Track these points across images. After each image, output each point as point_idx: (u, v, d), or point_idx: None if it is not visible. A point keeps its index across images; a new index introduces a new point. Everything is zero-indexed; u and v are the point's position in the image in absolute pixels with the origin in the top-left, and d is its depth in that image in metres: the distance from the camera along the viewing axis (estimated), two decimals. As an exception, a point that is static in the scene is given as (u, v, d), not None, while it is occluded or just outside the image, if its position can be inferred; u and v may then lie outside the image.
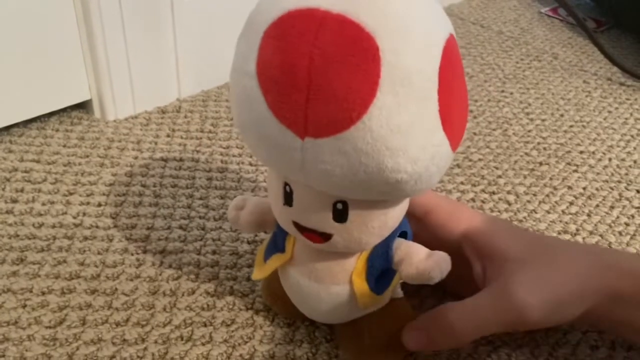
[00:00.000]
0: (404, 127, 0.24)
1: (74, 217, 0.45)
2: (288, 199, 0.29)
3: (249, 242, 0.43)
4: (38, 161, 0.50)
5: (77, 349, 0.35)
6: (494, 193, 0.51)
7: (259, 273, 0.35)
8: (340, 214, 0.28)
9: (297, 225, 0.30)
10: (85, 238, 0.43)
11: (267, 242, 0.35)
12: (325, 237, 0.29)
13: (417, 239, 0.33)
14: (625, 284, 0.32)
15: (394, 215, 0.30)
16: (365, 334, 0.34)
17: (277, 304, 0.37)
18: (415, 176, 0.25)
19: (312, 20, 0.23)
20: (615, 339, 0.38)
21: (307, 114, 0.24)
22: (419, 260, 0.30)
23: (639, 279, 0.32)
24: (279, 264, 0.33)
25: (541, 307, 0.31)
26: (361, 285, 0.32)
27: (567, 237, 0.47)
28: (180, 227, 0.44)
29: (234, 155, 0.53)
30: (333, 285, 0.32)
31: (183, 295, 0.39)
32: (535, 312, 0.31)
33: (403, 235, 0.32)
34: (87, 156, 0.51)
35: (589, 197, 0.52)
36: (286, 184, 0.29)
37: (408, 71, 0.23)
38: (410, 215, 0.34)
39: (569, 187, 0.53)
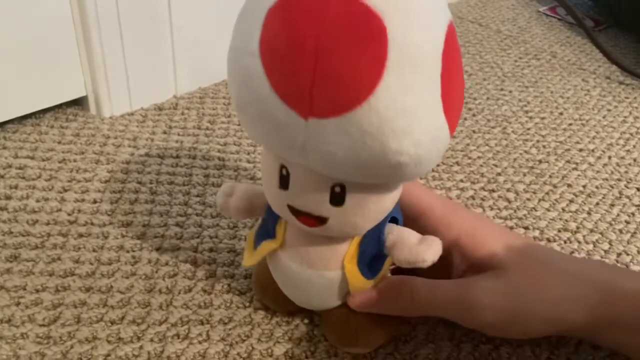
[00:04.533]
0: (409, 109, 0.23)
1: (69, 214, 0.44)
2: (284, 182, 0.29)
3: (245, 240, 0.43)
4: (32, 157, 0.50)
5: (72, 347, 0.35)
6: (493, 191, 0.51)
7: (250, 259, 0.34)
8: (338, 198, 0.28)
9: (292, 209, 0.29)
10: (80, 235, 0.42)
11: (256, 228, 0.35)
12: (321, 220, 0.29)
13: None
14: (617, 305, 0.32)
15: (389, 200, 0.29)
16: (351, 317, 0.34)
17: (267, 295, 0.37)
18: (417, 159, 0.25)
19: (319, 0, 0.23)
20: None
21: (312, 93, 0.23)
22: (412, 244, 0.30)
23: (632, 301, 0.32)
24: (269, 251, 0.33)
25: (495, 313, 0.32)
26: (353, 271, 0.32)
27: (567, 235, 0.46)
28: (177, 225, 0.44)
29: (231, 153, 0.52)
30: (325, 270, 0.32)
31: (179, 293, 0.39)
32: (487, 315, 0.32)
33: (394, 220, 0.32)
34: (83, 153, 0.51)
35: (588, 195, 0.51)
36: (283, 166, 0.28)
37: (415, 52, 0.23)
38: (404, 216, 0.34)
39: (569, 185, 0.52)
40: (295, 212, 0.29)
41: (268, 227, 0.33)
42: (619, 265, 0.44)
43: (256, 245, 0.34)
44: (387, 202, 0.29)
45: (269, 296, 0.37)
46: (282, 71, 0.24)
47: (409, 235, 0.31)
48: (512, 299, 0.32)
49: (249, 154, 0.52)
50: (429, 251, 0.30)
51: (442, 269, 0.35)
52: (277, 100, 0.24)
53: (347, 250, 0.32)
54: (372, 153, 0.24)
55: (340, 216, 0.29)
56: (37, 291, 0.38)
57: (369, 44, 0.22)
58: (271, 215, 0.32)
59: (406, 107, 0.23)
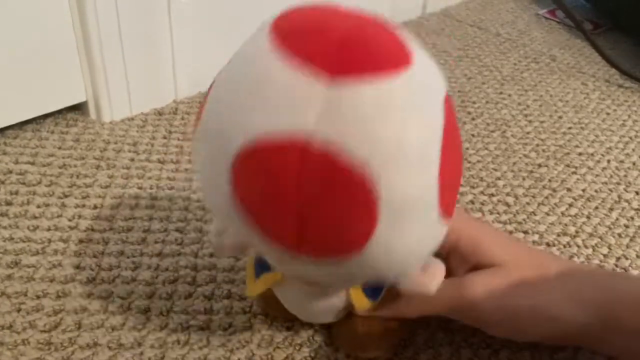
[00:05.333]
0: (407, 250, 0.23)
1: (70, 220, 0.44)
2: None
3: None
4: (33, 163, 0.50)
5: (73, 353, 0.35)
6: (492, 195, 0.51)
7: (253, 289, 0.33)
8: None
9: None
10: (81, 241, 0.42)
11: (254, 255, 0.34)
12: None
13: None
14: (618, 308, 0.32)
15: None
16: (359, 323, 0.34)
17: (269, 305, 0.37)
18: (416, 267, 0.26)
19: (293, 153, 0.20)
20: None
21: (301, 237, 0.22)
22: (416, 275, 0.30)
23: (634, 303, 0.32)
24: (270, 284, 0.33)
25: (493, 308, 0.32)
26: (358, 295, 0.32)
27: (567, 239, 0.47)
28: (177, 230, 0.44)
29: (231, 157, 0.52)
30: (329, 295, 0.32)
31: (180, 298, 0.39)
32: (486, 310, 0.32)
33: None
34: (83, 158, 0.51)
35: (588, 199, 0.51)
36: None
37: (406, 197, 0.21)
38: None
39: (568, 189, 0.52)
40: None
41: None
42: (618, 269, 0.44)
43: (257, 273, 0.33)
44: None
45: (271, 306, 0.37)
46: (264, 218, 0.22)
47: None
48: (510, 295, 0.32)
49: (248, 158, 0.52)
50: (434, 281, 0.30)
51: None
52: (261, 238, 0.23)
53: None
54: (366, 279, 0.25)
55: None
56: (38, 297, 0.38)
57: (356, 198, 0.20)
58: None
59: (402, 248, 0.22)
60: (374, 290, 0.33)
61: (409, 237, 0.22)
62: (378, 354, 0.35)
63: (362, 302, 0.32)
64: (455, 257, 0.35)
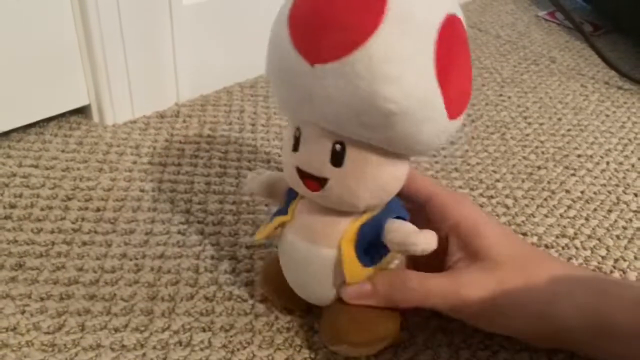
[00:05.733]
0: (399, 59, 0.26)
1: (73, 223, 0.45)
2: (296, 143, 0.32)
3: (247, 247, 0.43)
4: (37, 166, 0.50)
5: (76, 354, 0.35)
6: (492, 197, 0.51)
7: (261, 233, 0.36)
8: (338, 156, 0.30)
9: (299, 171, 0.32)
10: (84, 243, 0.43)
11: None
12: (322, 182, 0.31)
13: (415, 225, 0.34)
14: (614, 312, 0.32)
15: (388, 174, 0.31)
16: (343, 314, 0.34)
17: (272, 289, 0.38)
18: (405, 112, 0.27)
19: None
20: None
21: (319, 41, 0.27)
22: (407, 231, 0.32)
23: (629, 306, 0.32)
24: (279, 222, 0.35)
25: (482, 305, 0.33)
26: (349, 253, 0.33)
27: (565, 241, 0.47)
28: (179, 232, 0.44)
29: (232, 160, 0.53)
30: (323, 247, 0.33)
31: (182, 300, 0.39)
32: (474, 307, 0.33)
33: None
34: (86, 161, 0.51)
35: (586, 201, 0.52)
36: (297, 129, 0.31)
37: (411, 14, 0.26)
38: (412, 203, 0.36)
39: (567, 191, 0.53)
40: (302, 174, 0.32)
41: (282, 208, 0.36)
42: (616, 271, 0.45)
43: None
44: (385, 175, 0.31)
45: (276, 292, 0.38)
46: (299, 28, 0.28)
47: (407, 225, 0.32)
48: (499, 292, 0.33)
49: (249, 161, 0.53)
50: (421, 236, 0.31)
51: (438, 254, 0.35)
52: (293, 52, 0.28)
53: (346, 230, 0.33)
54: (364, 97, 0.27)
55: (339, 178, 0.31)
56: (42, 299, 0.38)
57: (370, 1, 0.26)
58: (288, 198, 0.35)
59: (397, 56, 0.26)
60: (367, 254, 0.33)
61: (404, 51, 0.26)
62: (352, 352, 0.35)
63: (352, 264, 0.33)
64: (453, 241, 0.35)
